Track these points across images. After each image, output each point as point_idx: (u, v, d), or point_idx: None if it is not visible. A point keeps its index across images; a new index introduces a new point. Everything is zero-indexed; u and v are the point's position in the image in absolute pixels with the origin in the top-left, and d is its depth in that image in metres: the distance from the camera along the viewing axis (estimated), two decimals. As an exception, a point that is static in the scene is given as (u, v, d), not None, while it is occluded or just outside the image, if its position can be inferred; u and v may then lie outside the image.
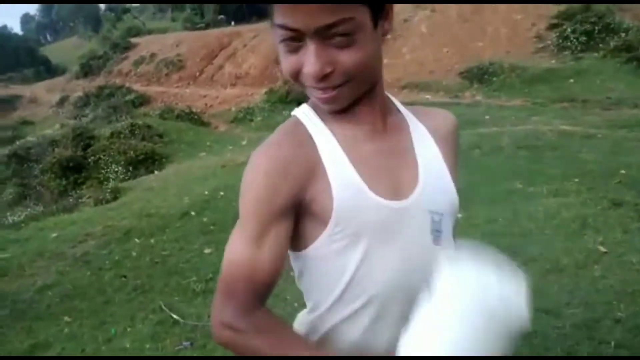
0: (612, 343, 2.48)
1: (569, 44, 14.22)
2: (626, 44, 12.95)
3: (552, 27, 15.25)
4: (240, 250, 0.80)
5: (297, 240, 0.85)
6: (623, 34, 13.61)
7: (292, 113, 0.88)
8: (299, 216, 0.82)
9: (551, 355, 2.52)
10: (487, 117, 9.97)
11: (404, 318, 0.78)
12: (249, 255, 0.79)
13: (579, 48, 13.91)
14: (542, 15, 15.93)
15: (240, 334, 0.78)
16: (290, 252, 0.87)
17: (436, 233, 0.85)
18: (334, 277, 0.84)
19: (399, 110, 0.91)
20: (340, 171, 0.80)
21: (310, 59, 0.73)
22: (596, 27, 14.16)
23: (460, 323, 0.69)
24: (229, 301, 0.80)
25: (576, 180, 5.05)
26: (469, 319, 0.68)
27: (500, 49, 15.37)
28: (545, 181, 5.16)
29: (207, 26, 33.48)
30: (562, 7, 15.75)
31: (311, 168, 0.80)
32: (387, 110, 0.87)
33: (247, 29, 26.15)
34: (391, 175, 0.83)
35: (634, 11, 14.96)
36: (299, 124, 0.85)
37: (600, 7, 15.08)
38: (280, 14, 0.73)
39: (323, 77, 0.74)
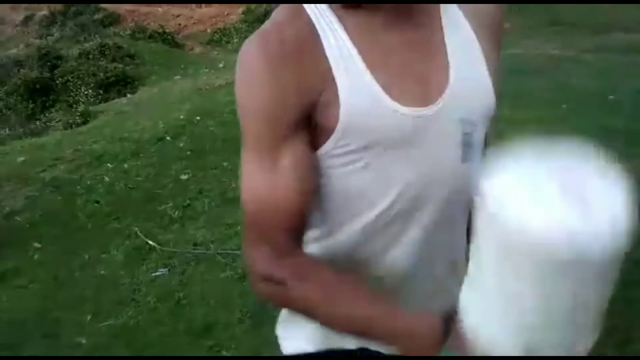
0: None
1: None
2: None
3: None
4: (257, 180, 0.67)
5: None
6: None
7: None
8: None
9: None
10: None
11: (445, 232, 0.72)
12: (268, 180, 0.66)
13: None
14: None
15: (280, 285, 0.67)
16: None
17: (466, 148, 0.70)
18: (343, 199, 0.71)
19: None
20: (352, 73, 0.64)
21: None
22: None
23: (530, 272, 0.48)
24: (259, 247, 0.68)
25: (564, 106, 4.99)
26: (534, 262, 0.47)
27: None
28: (533, 107, 5.06)
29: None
30: None
31: (319, 67, 0.64)
32: None
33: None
34: (415, 74, 0.67)
35: None
36: (300, 11, 0.67)
37: None
38: None
39: None
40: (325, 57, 0.64)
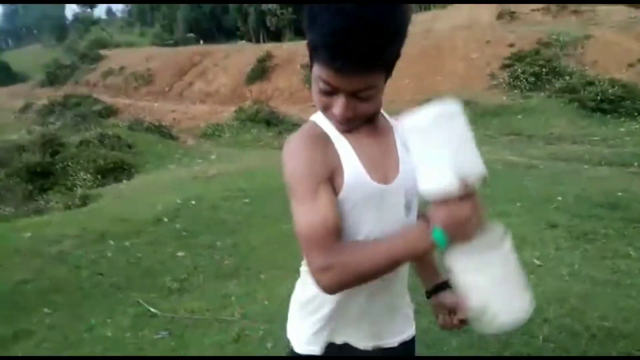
0: (541, 337, 2.88)
1: (519, 83, 15.32)
2: (570, 86, 14.13)
3: (505, 67, 16.39)
4: (306, 210, 1.00)
5: None
6: (567, 77, 14.82)
7: (311, 119, 1.16)
8: None
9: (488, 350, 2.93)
10: (443, 145, 10.60)
11: None
12: (315, 211, 1.00)
13: (527, 87, 15.02)
14: (497, 55, 17.08)
15: (337, 266, 0.97)
16: None
17: (407, 208, 1.14)
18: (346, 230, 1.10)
19: (385, 118, 1.21)
20: (350, 161, 1.07)
21: (339, 107, 1.02)
22: (544, 70, 15.32)
23: (434, 137, 0.94)
24: (316, 251, 0.99)
25: (518, 204, 5.61)
26: (436, 130, 0.93)
27: (456, 84, 16.35)
28: (491, 204, 5.62)
29: (176, 43, 33.65)
30: (515, 49, 16.94)
31: (332, 156, 1.06)
32: (378, 118, 1.18)
33: (218, 49, 26.51)
34: (382, 165, 1.11)
35: (578, 57, 16.30)
36: (317, 125, 1.12)
37: (548, 52, 16.34)
38: (325, 74, 0.99)
39: (346, 120, 1.05)
40: (336, 150, 1.06)
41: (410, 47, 16.70)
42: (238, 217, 5.90)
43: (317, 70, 1.01)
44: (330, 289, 1.00)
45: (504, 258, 0.98)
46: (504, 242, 0.98)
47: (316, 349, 1.19)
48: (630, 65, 15.41)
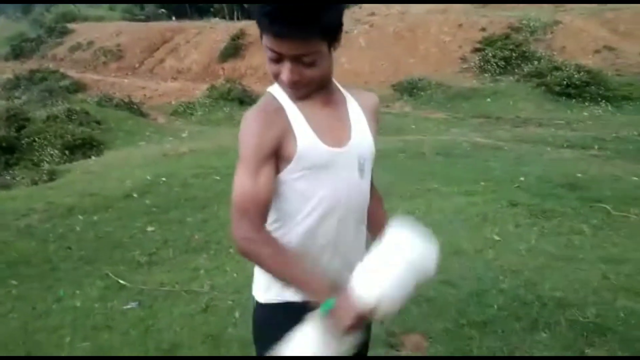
0: (495, 306, 3.04)
1: (489, 67, 15.57)
2: (537, 71, 14.45)
3: (476, 50, 16.61)
4: (245, 182, 1.13)
5: None
6: (536, 62, 15.12)
7: (268, 90, 1.24)
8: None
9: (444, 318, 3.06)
10: (413, 126, 10.86)
11: (351, 221, 1.24)
12: (252, 185, 1.13)
13: (497, 71, 15.29)
14: (468, 39, 17.28)
15: (254, 243, 1.12)
16: None
17: (361, 171, 1.25)
18: (295, 198, 1.20)
19: (339, 89, 1.30)
20: (302, 129, 1.16)
21: (286, 71, 1.12)
22: (513, 54, 15.60)
23: (399, 266, 1.06)
24: (243, 219, 1.13)
25: (482, 183, 5.79)
26: (405, 265, 1.06)
27: (429, 66, 16.52)
28: (457, 183, 5.84)
29: (147, 19, 32.80)
30: (486, 33, 17.17)
31: (284, 127, 1.16)
32: (332, 90, 1.26)
33: (191, 25, 25.98)
34: (334, 131, 1.21)
35: (547, 42, 16.63)
36: (273, 98, 1.21)
37: (518, 37, 16.62)
38: (269, 41, 1.08)
39: (293, 83, 1.14)
40: (288, 120, 1.16)
41: (385, 30, 16.88)
42: (209, 194, 5.92)
43: (264, 39, 1.10)
44: (240, 253, 1.16)
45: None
46: (348, 348, 1.13)
47: (273, 297, 1.27)
48: (597, 51, 15.81)
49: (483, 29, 17.51)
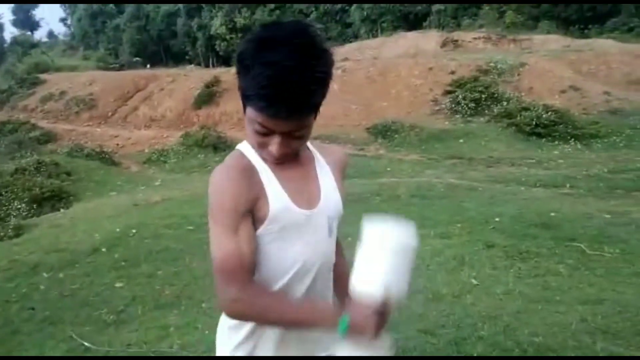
0: (475, 354, 2.98)
1: (460, 108, 15.94)
2: (507, 112, 14.84)
3: (447, 93, 17.04)
4: (225, 242, 1.09)
5: None
6: (505, 103, 15.56)
7: (237, 147, 1.24)
8: None
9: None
10: (388, 169, 10.93)
11: (321, 278, 1.22)
12: (234, 245, 1.09)
13: (468, 113, 15.65)
14: (439, 82, 17.77)
15: (247, 302, 1.08)
16: None
17: (330, 230, 1.26)
18: (268, 258, 1.17)
19: (307, 147, 1.30)
20: (275, 191, 1.15)
21: (275, 146, 1.12)
22: (483, 96, 16.04)
23: (389, 252, 1.08)
24: (230, 283, 1.08)
25: (458, 225, 5.79)
26: (393, 248, 1.08)
27: (401, 109, 16.85)
28: (433, 225, 5.82)
29: (122, 67, 33.02)
30: (455, 76, 17.70)
31: (258, 188, 1.14)
32: (302, 149, 1.26)
33: (165, 73, 26.17)
34: (304, 193, 1.21)
35: (514, 84, 17.20)
36: (243, 156, 1.19)
37: (487, 79, 17.17)
38: (261, 118, 1.08)
39: (282, 156, 1.14)
40: (261, 181, 1.14)
41: (357, 74, 17.28)
42: (181, 245, 5.77)
43: (252, 113, 1.09)
44: (233, 318, 1.15)
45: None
46: (388, 350, 1.13)
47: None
48: (562, 91, 16.38)
49: (452, 72, 18.04)
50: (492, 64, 18.14)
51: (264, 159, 1.18)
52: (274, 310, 1.09)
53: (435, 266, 4.58)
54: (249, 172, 1.15)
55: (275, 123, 1.07)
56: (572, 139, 12.99)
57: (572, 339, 3.04)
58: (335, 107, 16.12)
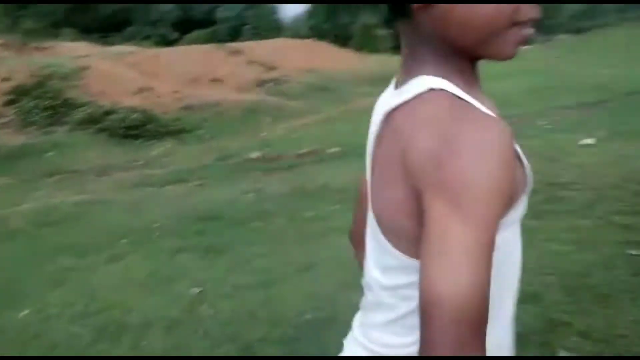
0: None
1: (33, 118, 13.81)
2: (91, 117, 13.83)
3: (10, 102, 14.41)
4: (470, 265, 0.57)
5: None
6: (83, 108, 14.39)
7: (434, 86, 0.66)
8: None
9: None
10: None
11: None
12: (481, 268, 0.57)
13: (46, 122, 13.74)
14: (-5, 91, 14.80)
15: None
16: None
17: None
18: (504, 262, 0.68)
19: None
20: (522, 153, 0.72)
21: (535, 7, 0.68)
22: (56, 102, 14.39)
23: None
24: (476, 337, 0.57)
25: (125, 241, 5.09)
26: None
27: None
28: (98, 250, 4.87)
29: None
30: (14, 83, 15.15)
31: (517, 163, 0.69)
32: None
33: None
34: None
35: (84, 88, 16.04)
36: (457, 98, 0.66)
37: (55, 85, 15.43)
38: None
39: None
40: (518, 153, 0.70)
41: None
42: None
43: None
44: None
45: None
46: None
47: None
48: (136, 93, 16.44)
49: (7, 79, 15.31)
50: (53, 69, 16.41)
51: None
52: None
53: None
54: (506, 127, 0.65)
55: None
56: (166, 136, 13.33)
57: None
58: None
